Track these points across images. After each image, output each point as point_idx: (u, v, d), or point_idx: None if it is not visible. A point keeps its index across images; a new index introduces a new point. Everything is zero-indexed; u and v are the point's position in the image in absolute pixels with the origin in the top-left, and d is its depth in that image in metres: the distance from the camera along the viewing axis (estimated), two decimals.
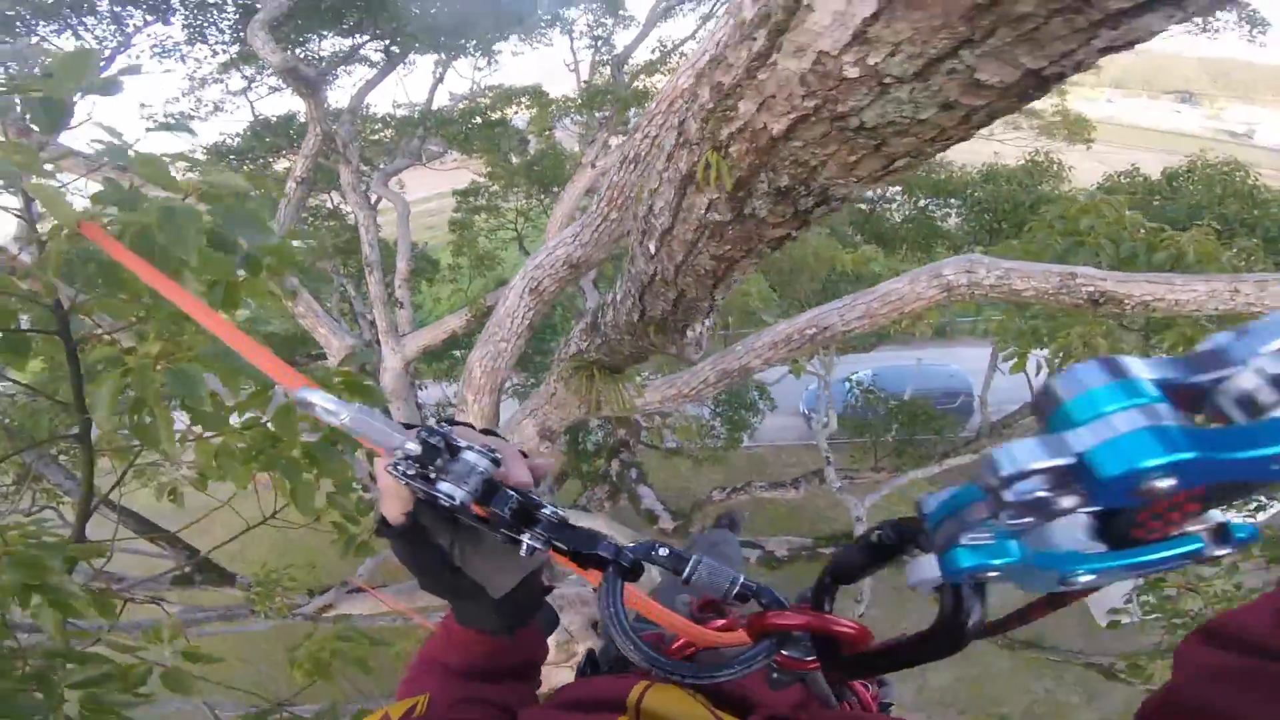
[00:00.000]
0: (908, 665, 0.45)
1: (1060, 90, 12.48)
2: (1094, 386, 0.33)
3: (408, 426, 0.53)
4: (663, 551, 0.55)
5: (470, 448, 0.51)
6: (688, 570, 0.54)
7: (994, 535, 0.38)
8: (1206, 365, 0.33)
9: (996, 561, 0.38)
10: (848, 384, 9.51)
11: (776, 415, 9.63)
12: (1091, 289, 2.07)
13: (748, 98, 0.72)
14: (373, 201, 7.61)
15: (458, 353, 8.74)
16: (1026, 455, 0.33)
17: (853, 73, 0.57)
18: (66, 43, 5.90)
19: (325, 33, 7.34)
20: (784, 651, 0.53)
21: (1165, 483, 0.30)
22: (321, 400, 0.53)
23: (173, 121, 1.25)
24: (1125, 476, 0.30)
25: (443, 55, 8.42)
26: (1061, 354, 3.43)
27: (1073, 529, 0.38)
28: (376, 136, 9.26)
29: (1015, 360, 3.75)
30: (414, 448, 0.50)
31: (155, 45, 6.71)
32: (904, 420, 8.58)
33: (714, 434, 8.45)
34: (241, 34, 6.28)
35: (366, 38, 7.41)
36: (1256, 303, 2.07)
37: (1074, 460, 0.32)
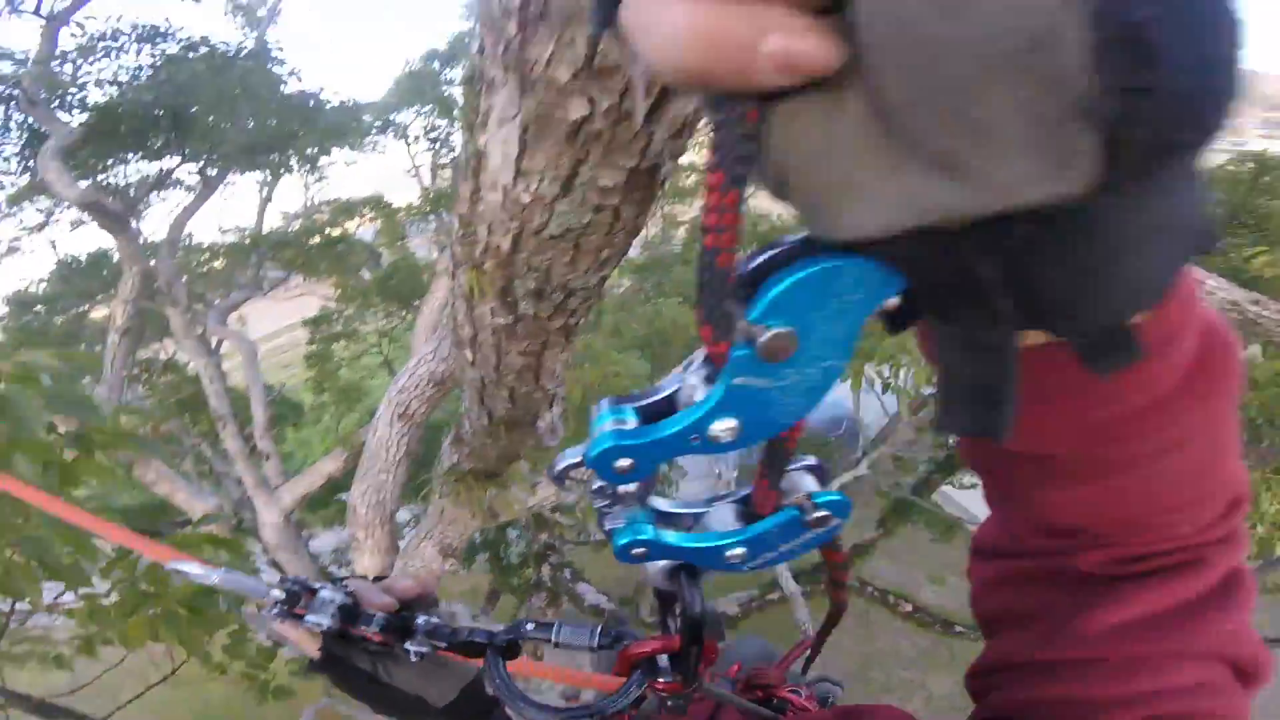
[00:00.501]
0: (697, 661, 0.53)
1: None
2: (601, 413, 0.41)
3: (284, 579, 0.60)
4: (529, 626, 0.61)
5: (323, 587, 0.60)
6: (552, 635, 0.60)
7: (623, 517, 0.45)
8: (668, 383, 0.41)
9: (639, 538, 0.45)
10: None
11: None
12: None
13: (479, 224, 0.86)
14: (213, 345, 7.08)
15: (343, 495, 8.14)
16: (563, 458, 0.42)
17: (526, 198, 0.72)
18: None
19: (129, 156, 6.66)
20: (660, 680, 0.58)
21: (625, 461, 0.38)
22: (190, 569, 0.61)
23: None
24: (598, 458, 0.38)
25: (266, 174, 8.00)
26: (888, 364, 3.84)
27: (724, 515, 0.49)
28: (205, 269, 8.58)
29: (853, 378, 4.13)
30: (279, 594, 0.59)
31: None
32: None
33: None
34: (31, 163, 5.75)
35: (178, 160, 6.82)
36: None
37: (580, 458, 0.40)
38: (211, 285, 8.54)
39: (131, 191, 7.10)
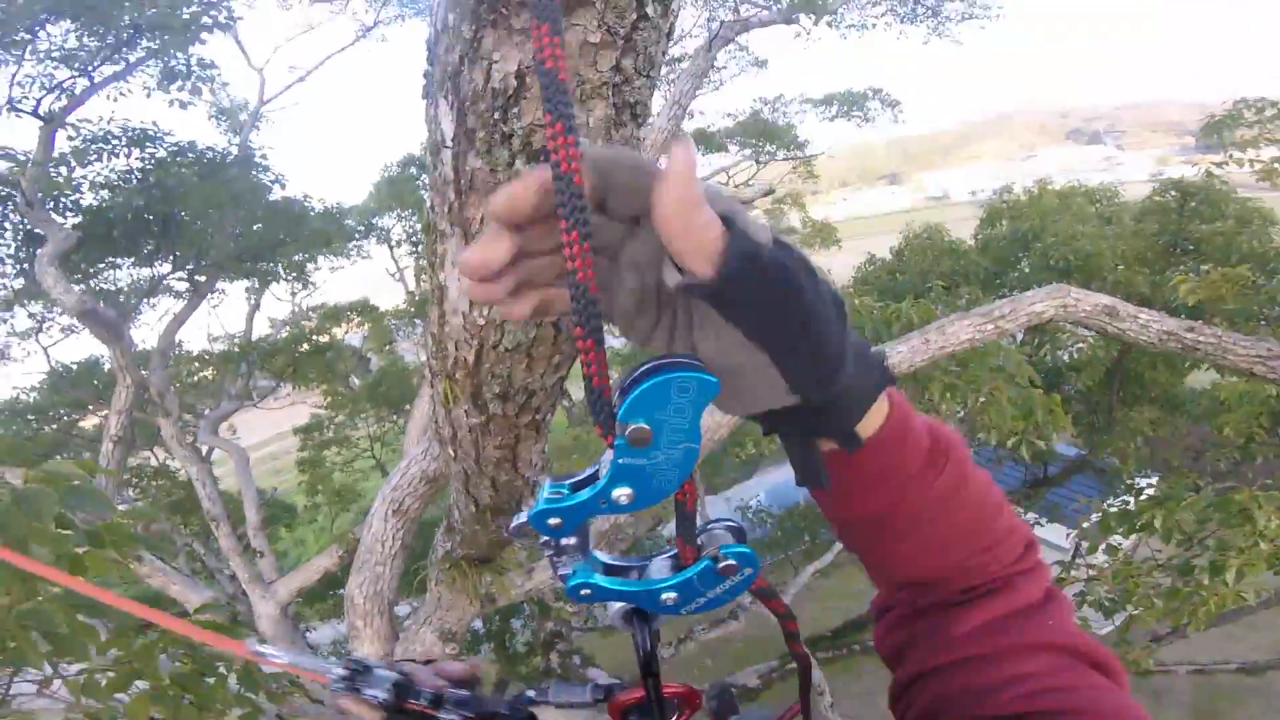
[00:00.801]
0: (657, 692, 0.63)
1: (800, 204, 14.97)
2: (544, 487, 0.52)
3: (347, 659, 0.69)
4: (530, 693, 0.70)
5: (380, 666, 0.68)
6: (550, 698, 0.70)
7: (571, 565, 0.56)
8: (594, 467, 0.52)
9: (584, 580, 0.56)
10: (738, 512, 10.00)
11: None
12: None
13: (447, 342, 1.01)
14: (205, 453, 7.08)
15: (341, 590, 7.93)
16: (516, 519, 0.53)
17: (481, 321, 0.88)
18: None
19: (120, 262, 6.72)
20: None
21: (555, 520, 0.51)
22: (268, 650, 0.68)
23: None
24: (535, 517, 0.51)
25: (253, 282, 8.06)
26: None
27: (661, 566, 0.62)
28: (195, 379, 8.63)
29: None
30: (342, 671, 0.67)
31: None
32: (801, 525, 9.09)
33: None
34: (25, 266, 5.78)
35: (168, 267, 6.85)
36: (946, 343, 2.65)
37: (525, 518, 0.52)
38: (202, 396, 8.59)
39: (122, 298, 7.19)
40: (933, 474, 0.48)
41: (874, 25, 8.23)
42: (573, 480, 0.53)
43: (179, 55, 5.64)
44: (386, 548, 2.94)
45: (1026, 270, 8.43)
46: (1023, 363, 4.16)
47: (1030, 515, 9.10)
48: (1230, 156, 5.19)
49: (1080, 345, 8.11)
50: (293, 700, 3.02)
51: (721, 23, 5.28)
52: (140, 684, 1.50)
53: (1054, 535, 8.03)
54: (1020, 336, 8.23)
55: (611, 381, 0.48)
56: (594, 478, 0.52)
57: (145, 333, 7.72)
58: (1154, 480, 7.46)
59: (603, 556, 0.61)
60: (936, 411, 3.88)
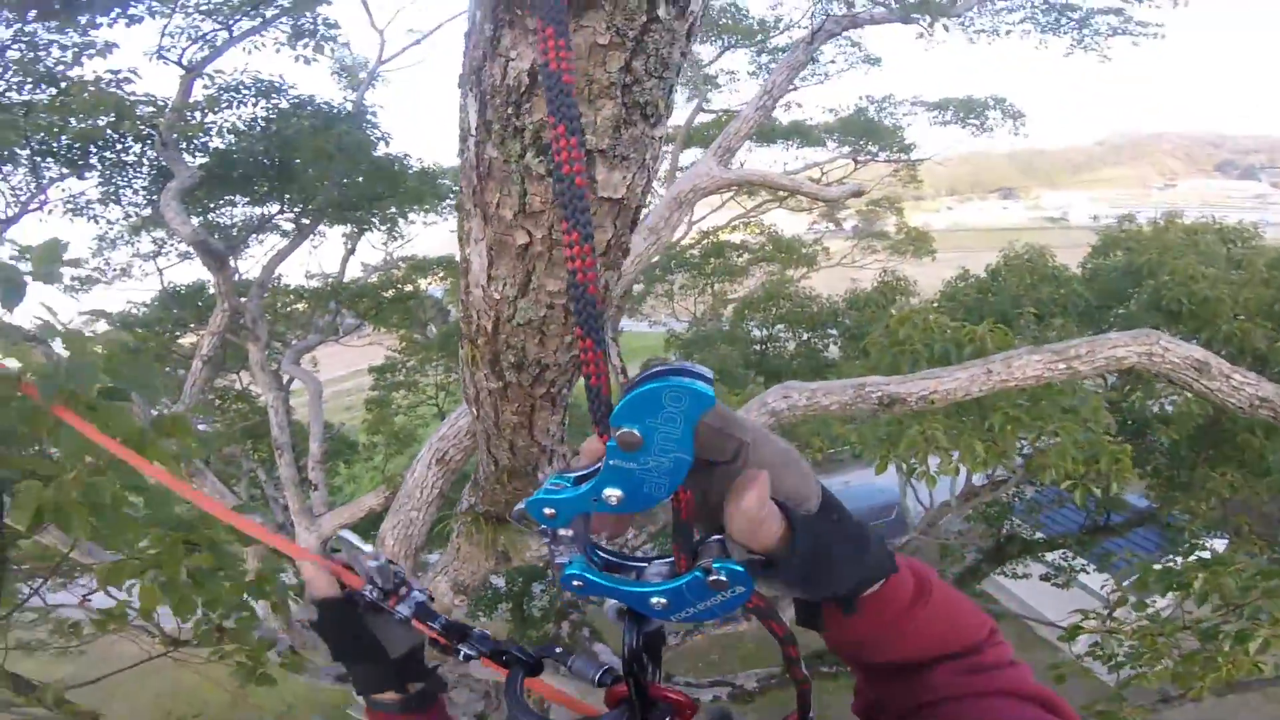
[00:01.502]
0: (641, 685, 0.65)
1: (899, 209, 14.29)
2: (549, 478, 0.56)
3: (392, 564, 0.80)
4: (557, 650, 0.77)
5: (416, 587, 0.79)
6: (568, 664, 0.75)
7: (568, 554, 0.59)
8: (590, 474, 0.55)
9: (577, 572, 0.59)
10: None
11: None
12: (879, 394, 2.49)
13: (471, 310, 1.06)
14: (284, 382, 7.53)
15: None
16: (518, 506, 0.57)
17: (496, 296, 0.92)
18: None
19: (236, 199, 7.31)
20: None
21: (549, 510, 0.54)
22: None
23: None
24: (531, 505, 0.55)
25: (351, 228, 8.57)
26: (914, 450, 3.83)
27: (658, 570, 0.63)
28: (288, 310, 9.13)
29: (879, 462, 4.13)
30: (380, 583, 0.79)
31: (69, 201, 6.54)
32: None
33: None
34: (154, 197, 6.24)
35: (277, 208, 7.40)
36: (1009, 377, 2.52)
37: (524, 505, 0.56)
38: (292, 326, 9.10)
39: (235, 232, 7.80)
40: (917, 609, 0.60)
41: (1009, 31, 7.65)
42: (577, 474, 0.56)
43: (307, 14, 5.96)
44: (424, 494, 3.08)
45: (1133, 309, 7.80)
46: (1099, 407, 3.90)
47: (1079, 561, 8.60)
48: None
49: (1175, 398, 7.47)
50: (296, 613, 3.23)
51: (827, 15, 5.10)
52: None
53: (1097, 583, 7.53)
54: (1110, 379, 7.67)
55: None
56: (594, 474, 0.54)
57: (250, 265, 8.31)
58: (1221, 544, 6.90)
59: (604, 553, 0.63)
60: (995, 442, 3.71)
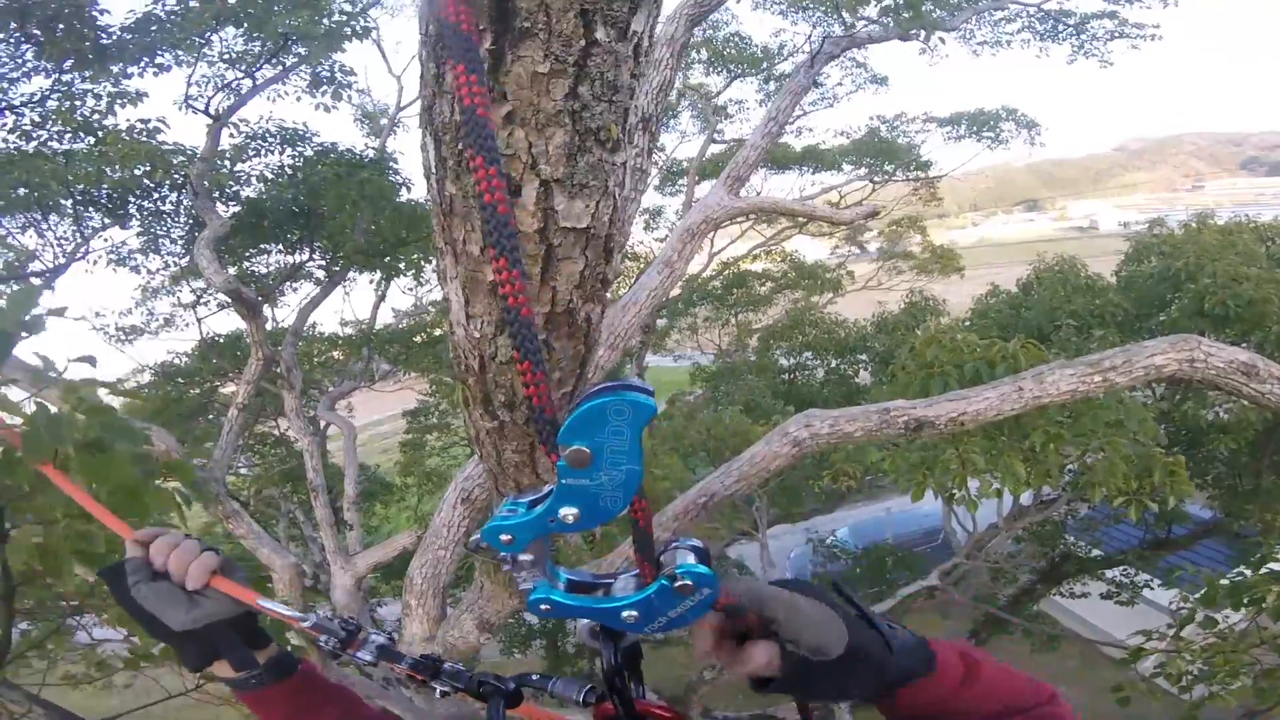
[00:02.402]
0: (625, 701, 0.66)
1: (922, 228, 14.07)
2: (503, 504, 0.56)
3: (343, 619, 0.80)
4: (533, 677, 0.75)
5: (373, 631, 0.80)
6: (549, 687, 0.74)
7: (532, 581, 0.59)
8: (543, 496, 0.56)
9: (544, 596, 0.59)
10: (810, 544, 9.66)
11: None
12: (905, 418, 2.40)
13: (458, 350, 1.05)
14: (320, 426, 7.69)
15: None
16: (474, 534, 0.58)
17: (477, 334, 0.91)
18: (30, 240, 5.94)
19: (269, 247, 7.39)
20: None
21: (506, 536, 0.54)
22: (270, 604, 0.80)
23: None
24: (487, 532, 0.54)
25: (379, 274, 8.68)
26: (950, 475, 3.69)
27: (626, 584, 0.62)
28: (323, 358, 9.29)
29: (915, 489, 3.97)
30: (339, 632, 0.79)
31: (111, 251, 6.62)
32: (867, 568, 8.67)
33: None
34: (192, 247, 6.27)
35: (308, 255, 7.48)
36: (1042, 394, 2.42)
37: (479, 534, 0.56)
38: (327, 374, 9.33)
39: (269, 280, 7.84)
40: (966, 689, 0.68)
41: (1010, 42, 7.66)
42: (531, 498, 0.56)
43: (323, 62, 6.17)
44: (451, 533, 3.07)
45: (1175, 315, 7.50)
46: (1147, 419, 3.71)
47: (1143, 576, 8.16)
48: None
49: (1230, 405, 7.11)
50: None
51: (825, 37, 5.12)
52: None
53: (1164, 599, 7.11)
54: (1159, 389, 7.35)
55: None
56: (547, 497, 0.54)
57: (284, 312, 8.52)
58: None
59: (567, 573, 0.63)
60: (1037, 461, 3.54)
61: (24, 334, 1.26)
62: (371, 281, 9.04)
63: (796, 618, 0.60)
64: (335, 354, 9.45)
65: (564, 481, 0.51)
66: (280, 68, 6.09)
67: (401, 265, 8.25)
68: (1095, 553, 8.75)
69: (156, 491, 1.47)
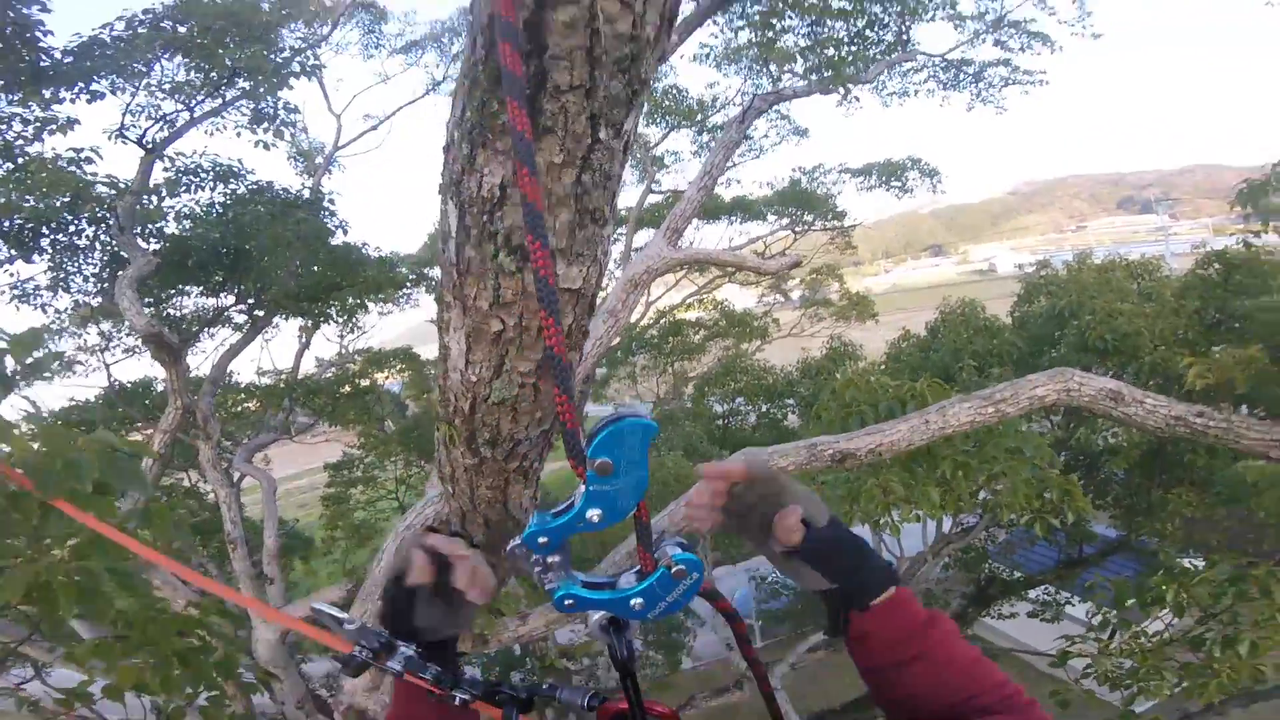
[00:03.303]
0: (636, 694, 0.75)
1: (839, 276, 14.96)
2: (533, 517, 0.68)
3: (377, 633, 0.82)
4: (544, 686, 0.82)
5: (402, 644, 0.81)
6: (558, 695, 0.82)
7: (557, 580, 0.71)
8: (572, 497, 0.68)
9: (568, 592, 0.70)
10: (753, 583, 9.88)
11: (710, 630, 9.58)
12: (830, 451, 2.63)
13: (449, 393, 1.16)
14: (235, 479, 7.29)
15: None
16: (512, 543, 0.68)
17: (474, 378, 1.02)
18: None
19: (190, 289, 7.00)
20: None
21: (543, 539, 0.66)
22: (333, 610, 0.83)
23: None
24: (528, 538, 0.66)
25: (306, 321, 8.37)
26: (874, 503, 3.95)
27: (629, 579, 0.75)
28: (239, 409, 8.84)
29: (842, 518, 4.20)
30: (369, 645, 0.81)
31: (15, 287, 6.05)
32: (806, 602, 8.93)
33: (650, 662, 8.54)
34: (105, 285, 5.99)
35: (231, 299, 7.17)
36: (945, 425, 2.69)
37: (520, 540, 0.68)
38: (243, 425, 8.86)
39: (185, 324, 7.36)
40: (932, 629, 0.75)
41: (916, 92, 8.34)
42: (554, 510, 0.69)
43: (269, 98, 6.07)
44: None
45: (1063, 350, 8.28)
46: (1042, 445, 4.12)
47: (1064, 594, 8.74)
48: (1269, 226, 5.01)
49: (1117, 430, 7.87)
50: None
51: (754, 94, 5.56)
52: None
53: (1082, 613, 7.66)
54: (1056, 419, 8.04)
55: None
56: (570, 505, 0.67)
57: (199, 359, 8.08)
58: (1198, 562, 7.13)
59: (581, 575, 0.75)
60: (949, 488, 3.86)
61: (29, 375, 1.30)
62: (299, 329, 8.76)
63: (796, 486, 0.80)
64: (252, 405, 8.99)
65: (591, 488, 0.66)
66: (220, 101, 5.92)
67: (333, 310, 7.96)
68: (1018, 575, 9.31)
69: (138, 535, 1.48)
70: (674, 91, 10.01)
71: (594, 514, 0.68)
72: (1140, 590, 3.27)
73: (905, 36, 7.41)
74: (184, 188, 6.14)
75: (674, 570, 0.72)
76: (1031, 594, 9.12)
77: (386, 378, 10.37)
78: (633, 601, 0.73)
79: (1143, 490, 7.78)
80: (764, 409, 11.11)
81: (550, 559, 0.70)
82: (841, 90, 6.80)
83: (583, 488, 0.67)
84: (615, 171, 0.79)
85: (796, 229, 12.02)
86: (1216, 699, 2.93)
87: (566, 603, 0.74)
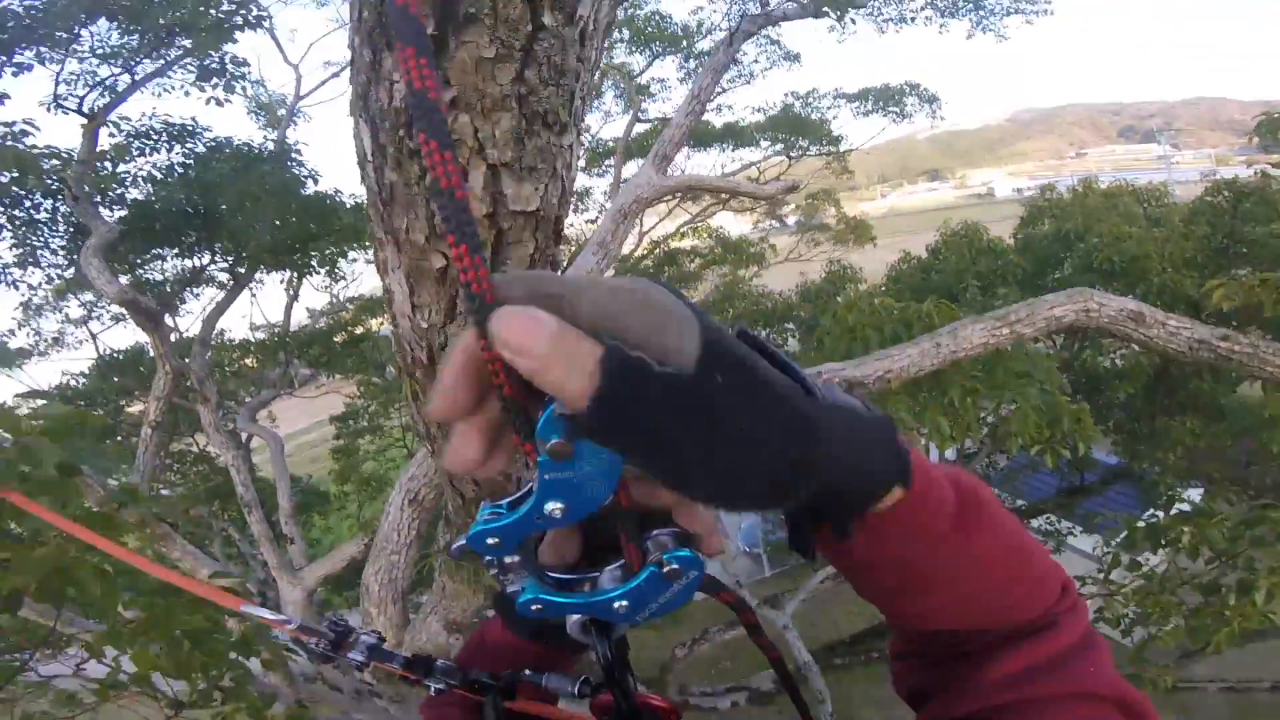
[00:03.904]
0: (626, 695, 0.65)
1: (836, 201, 14.66)
2: (482, 509, 0.57)
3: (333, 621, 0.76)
4: (526, 672, 0.74)
5: (363, 631, 0.76)
6: (543, 680, 0.73)
7: (519, 582, 0.59)
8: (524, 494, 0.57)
9: (534, 596, 0.60)
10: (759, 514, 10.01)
11: (718, 562, 9.76)
12: (837, 380, 2.52)
13: (403, 342, 1.03)
14: (243, 439, 7.29)
15: None
16: (456, 541, 0.57)
17: (424, 324, 0.89)
18: None
19: (164, 253, 6.81)
20: None
21: (492, 540, 0.54)
22: (254, 610, 0.76)
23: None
24: (473, 539, 0.53)
25: (290, 274, 8.12)
26: None
27: (612, 576, 0.63)
28: (236, 367, 8.80)
29: None
30: (327, 633, 0.74)
31: None
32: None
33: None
34: (76, 256, 5.69)
35: (209, 258, 6.95)
36: (958, 348, 2.58)
37: (464, 540, 0.57)
38: (243, 383, 8.81)
39: (167, 288, 7.33)
40: (960, 536, 0.44)
41: (914, 19, 7.96)
42: (511, 499, 0.55)
43: (212, 54, 5.75)
44: (402, 536, 3.02)
45: (1069, 272, 8.13)
46: (1052, 369, 4.02)
47: (1065, 524, 8.84)
48: None
49: (1123, 351, 7.79)
50: (295, 669, 3.15)
51: (743, 15, 5.21)
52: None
53: (1087, 545, 7.73)
54: (1060, 340, 7.96)
55: None
56: (529, 492, 0.51)
57: (188, 321, 7.97)
58: (1196, 493, 7.12)
59: (553, 573, 0.64)
60: (958, 416, 3.78)
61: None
62: (282, 281, 8.52)
63: (593, 289, 0.34)
64: (248, 361, 8.96)
65: (546, 476, 0.50)
66: (163, 62, 5.62)
67: (314, 262, 7.83)
68: (1020, 503, 9.40)
69: (116, 520, 1.40)
70: (657, 17, 9.47)
71: (554, 508, 0.50)
72: (1153, 531, 3.16)
73: None
74: (137, 152, 5.91)
75: (666, 570, 0.56)
76: (1034, 524, 9.23)
77: (382, 323, 10.25)
78: (616, 604, 0.59)
79: (1145, 416, 7.76)
80: (764, 334, 11.04)
81: (507, 560, 0.56)
82: (835, 13, 6.38)
83: (537, 473, 0.51)
84: (570, 65, 0.64)
85: (791, 155, 11.63)
86: (1223, 646, 2.88)
87: (534, 608, 0.60)
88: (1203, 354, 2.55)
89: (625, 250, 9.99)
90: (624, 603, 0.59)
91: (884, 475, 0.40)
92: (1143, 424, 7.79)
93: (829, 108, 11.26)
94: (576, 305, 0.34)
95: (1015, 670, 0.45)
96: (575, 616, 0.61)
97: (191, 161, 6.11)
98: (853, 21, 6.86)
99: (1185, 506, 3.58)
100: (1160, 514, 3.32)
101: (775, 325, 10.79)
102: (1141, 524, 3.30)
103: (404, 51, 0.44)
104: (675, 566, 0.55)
